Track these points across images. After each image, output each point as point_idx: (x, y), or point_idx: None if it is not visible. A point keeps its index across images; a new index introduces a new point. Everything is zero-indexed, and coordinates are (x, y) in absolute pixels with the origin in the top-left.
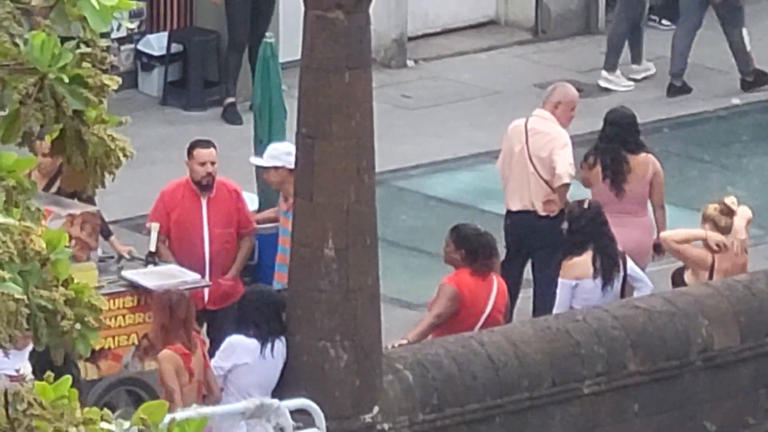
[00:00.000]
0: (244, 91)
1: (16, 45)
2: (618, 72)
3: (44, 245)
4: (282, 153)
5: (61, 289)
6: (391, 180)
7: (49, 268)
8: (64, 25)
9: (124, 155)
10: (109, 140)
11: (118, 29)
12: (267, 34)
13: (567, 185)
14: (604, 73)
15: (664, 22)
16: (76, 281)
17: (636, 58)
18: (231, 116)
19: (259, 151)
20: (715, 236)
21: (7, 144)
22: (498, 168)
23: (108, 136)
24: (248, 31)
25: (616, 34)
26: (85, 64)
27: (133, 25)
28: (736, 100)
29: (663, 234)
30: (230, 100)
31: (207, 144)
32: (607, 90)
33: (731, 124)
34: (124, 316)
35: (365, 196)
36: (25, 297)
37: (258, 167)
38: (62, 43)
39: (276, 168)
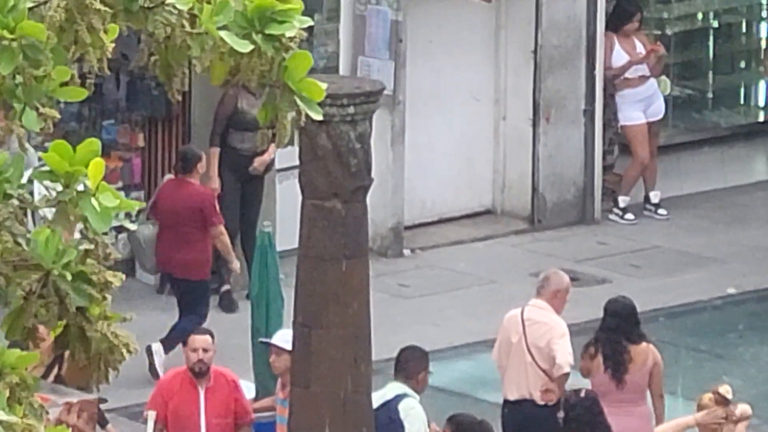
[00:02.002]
0: (240, 279)
1: (18, 244)
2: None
3: None
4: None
5: None
6: (388, 369)
7: None
8: (65, 225)
9: (128, 351)
10: (113, 336)
11: (115, 217)
12: (264, 223)
13: (567, 374)
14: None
15: (660, 211)
16: None
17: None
18: (227, 304)
19: (256, 339)
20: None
21: (10, 340)
22: (494, 358)
23: (111, 333)
24: (238, 217)
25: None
26: (89, 261)
27: (133, 225)
28: (731, 290)
29: (656, 430)
30: (226, 287)
31: (203, 331)
32: (603, 280)
33: (726, 314)
34: None
35: (362, 386)
36: None
37: (257, 355)
38: None
39: (290, 352)
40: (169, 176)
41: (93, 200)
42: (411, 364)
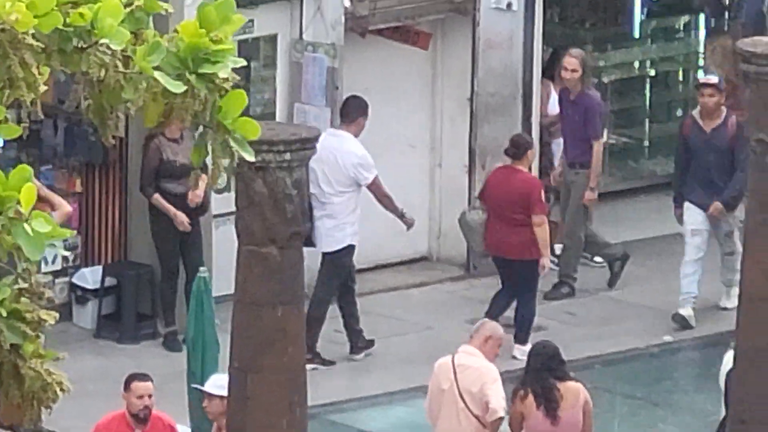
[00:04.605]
0: (181, 323)
1: None
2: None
3: None
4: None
5: None
6: (323, 414)
7: None
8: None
9: (61, 389)
10: (46, 374)
11: (53, 262)
12: (201, 268)
13: (501, 419)
14: None
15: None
16: None
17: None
18: (171, 344)
19: (193, 383)
20: None
21: None
22: (425, 407)
23: (45, 371)
24: (178, 260)
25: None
26: (23, 299)
27: (69, 253)
28: (667, 338)
29: None
30: (171, 328)
31: (144, 377)
32: (539, 327)
33: (663, 361)
34: None
35: (297, 430)
36: None
37: (192, 399)
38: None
39: (222, 398)
40: (497, 164)
41: (26, 226)
42: None
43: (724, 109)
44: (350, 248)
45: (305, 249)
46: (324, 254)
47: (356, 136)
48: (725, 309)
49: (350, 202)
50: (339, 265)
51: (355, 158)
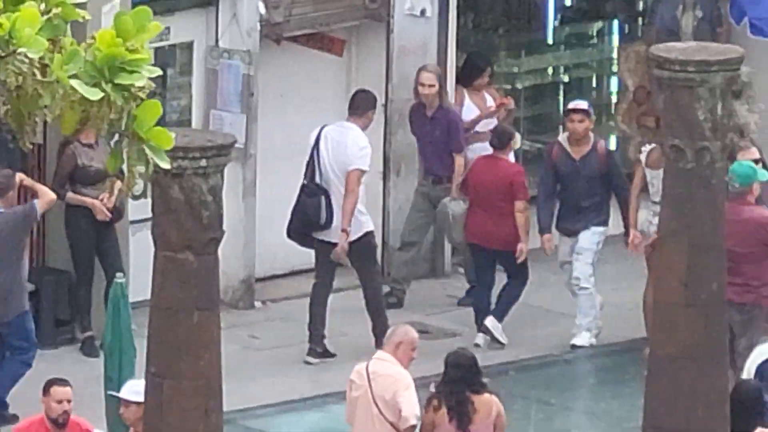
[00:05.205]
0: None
1: None
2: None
3: None
4: (142, 389)
5: None
6: (239, 419)
7: None
8: None
9: None
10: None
11: None
12: (118, 274)
13: (413, 426)
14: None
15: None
16: None
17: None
18: (89, 349)
19: (110, 389)
20: None
21: None
22: (345, 412)
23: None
24: (93, 264)
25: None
26: None
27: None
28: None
29: None
30: (88, 333)
31: (63, 382)
32: (453, 333)
33: (577, 367)
34: None
35: None
36: None
37: (109, 405)
38: None
39: (137, 404)
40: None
41: None
42: None
43: (591, 135)
44: (370, 233)
45: (321, 243)
46: (350, 245)
47: (364, 129)
48: (574, 346)
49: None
50: (368, 249)
51: (357, 149)
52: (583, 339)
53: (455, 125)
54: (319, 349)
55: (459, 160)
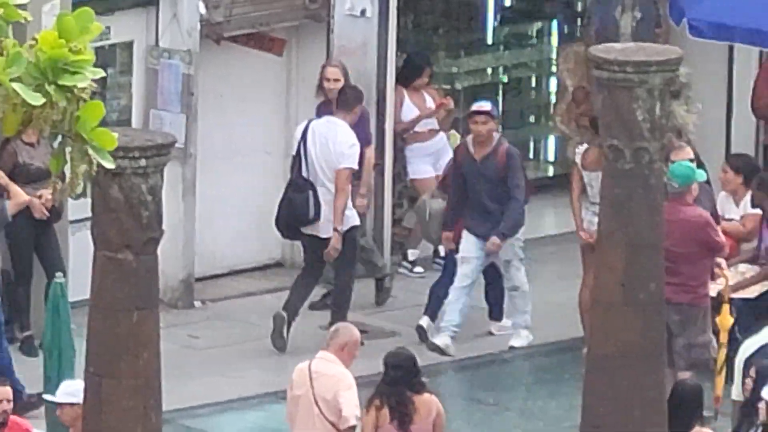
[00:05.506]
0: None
1: None
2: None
3: None
4: (76, 390)
5: None
6: (178, 419)
7: None
8: None
9: None
10: None
11: None
12: (57, 273)
13: (353, 427)
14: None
15: (416, 270)
16: None
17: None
18: (28, 349)
19: (49, 389)
20: None
21: None
22: (287, 411)
23: None
24: (32, 263)
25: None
26: None
27: None
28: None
29: None
30: (27, 333)
31: (2, 382)
32: (392, 333)
33: (515, 367)
34: None
35: None
36: None
37: (47, 405)
38: None
39: (71, 405)
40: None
41: None
42: None
43: (496, 136)
44: (354, 228)
45: (309, 238)
46: (326, 240)
47: (351, 124)
48: (512, 347)
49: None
50: (350, 245)
51: (346, 146)
52: (521, 340)
53: (364, 119)
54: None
55: (369, 153)
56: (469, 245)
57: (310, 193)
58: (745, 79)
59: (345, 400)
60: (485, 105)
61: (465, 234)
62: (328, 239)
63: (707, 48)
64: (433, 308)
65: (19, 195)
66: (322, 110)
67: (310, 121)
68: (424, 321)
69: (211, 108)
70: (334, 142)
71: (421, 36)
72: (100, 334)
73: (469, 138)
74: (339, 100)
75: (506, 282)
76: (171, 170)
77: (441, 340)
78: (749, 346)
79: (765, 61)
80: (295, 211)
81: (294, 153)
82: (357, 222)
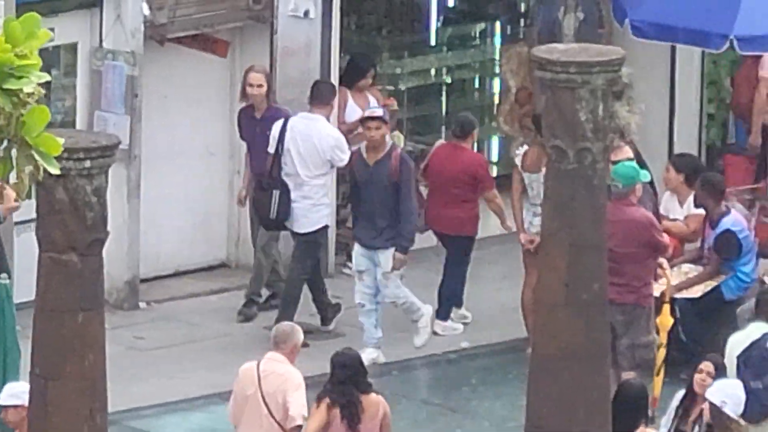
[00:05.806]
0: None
1: None
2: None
3: None
4: (20, 392)
5: None
6: (123, 420)
7: None
8: None
9: None
10: None
11: None
12: (2, 275)
13: (300, 427)
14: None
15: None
16: None
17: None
18: None
19: None
20: None
21: None
22: (229, 411)
23: None
24: None
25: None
26: None
27: None
28: (465, 344)
29: None
30: None
31: None
32: (336, 334)
33: (460, 367)
34: None
35: None
36: None
37: None
38: None
39: (15, 407)
40: (440, 141)
41: None
42: None
43: (389, 141)
44: (325, 228)
45: (281, 232)
46: (299, 235)
47: (328, 117)
48: (417, 348)
49: (326, 183)
50: (315, 246)
51: (333, 140)
52: (422, 338)
53: None
54: (330, 315)
55: None
56: (361, 258)
57: (274, 192)
58: (687, 79)
59: (293, 399)
60: (377, 111)
61: (356, 247)
62: (304, 234)
63: (650, 48)
64: (445, 310)
65: (12, 200)
66: (245, 116)
67: (287, 119)
68: (439, 327)
69: (155, 109)
70: (319, 138)
71: (365, 37)
72: (45, 335)
73: (363, 144)
74: (314, 95)
75: (381, 297)
76: (115, 171)
77: (367, 356)
78: (737, 342)
79: (746, 60)
80: (258, 211)
81: (272, 151)
82: (327, 223)
